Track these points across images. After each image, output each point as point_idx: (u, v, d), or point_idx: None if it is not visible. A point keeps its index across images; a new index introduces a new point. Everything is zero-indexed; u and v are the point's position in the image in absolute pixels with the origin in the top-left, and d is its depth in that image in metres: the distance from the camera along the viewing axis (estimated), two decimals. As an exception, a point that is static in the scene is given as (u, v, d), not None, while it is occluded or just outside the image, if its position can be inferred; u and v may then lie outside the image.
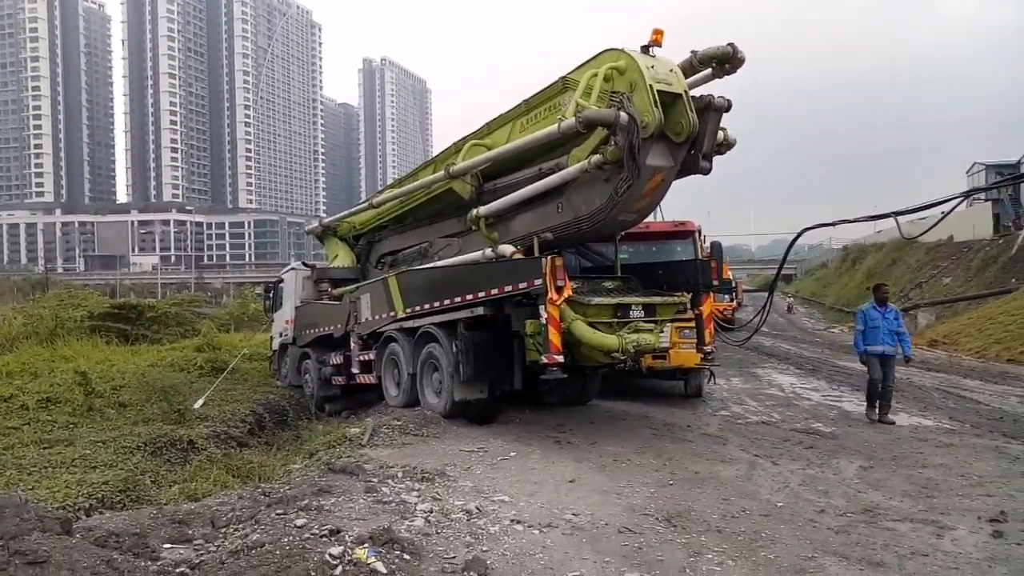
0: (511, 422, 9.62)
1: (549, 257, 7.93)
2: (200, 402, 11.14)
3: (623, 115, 7.41)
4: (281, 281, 16.26)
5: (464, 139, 10.67)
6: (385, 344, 11.42)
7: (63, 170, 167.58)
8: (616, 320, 8.46)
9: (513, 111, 9.83)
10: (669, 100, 7.71)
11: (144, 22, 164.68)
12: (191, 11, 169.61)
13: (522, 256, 9.07)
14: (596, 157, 7.98)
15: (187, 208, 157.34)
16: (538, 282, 7.97)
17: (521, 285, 8.26)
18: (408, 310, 10.63)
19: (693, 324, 10.70)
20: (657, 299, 8.85)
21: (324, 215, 16.03)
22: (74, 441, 8.45)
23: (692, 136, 7.81)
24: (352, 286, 13.21)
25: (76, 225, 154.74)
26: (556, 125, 8.00)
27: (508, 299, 8.93)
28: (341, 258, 15.21)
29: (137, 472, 7.20)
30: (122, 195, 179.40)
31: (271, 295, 16.94)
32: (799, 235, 11.55)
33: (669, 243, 12.43)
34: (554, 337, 7.94)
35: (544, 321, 7.96)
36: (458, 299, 9.42)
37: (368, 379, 12.12)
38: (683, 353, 10.87)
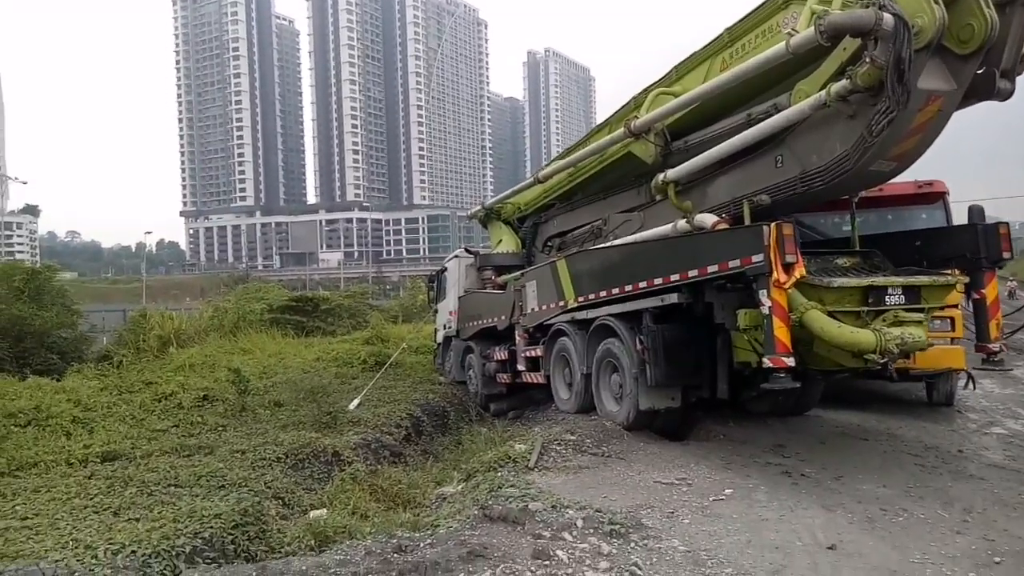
0: (713, 439, 7.63)
1: (774, 224, 5.84)
2: (355, 403, 10.13)
3: (887, 16, 5.18)
4: (444, 270, 15.17)
5: (646, 89, 8.73)
6: (554, 338, 9.78)
7: (262, 175, 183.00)
8: (867, 308, 6.19)
9: (710, 46, 7.78)
10: (952, -8, 5.37)
11: (327, 33, 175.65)
12: (368, 19, 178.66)
13: (729, 226, 7.03)
14: (840, 84, 5.78)
15: (366, 206, 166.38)
16: (758, 258, 5.91)
17: (732, 263, 6.22)
18: (580, 298, 8.90)
19: (947, 312, 8.15)
20: (924, 279, 6.44)
21: (488, 196, 14.64)
22: (215, 449, 7.57)
23: (986, 44, 5.40)
24: (517, 273, 11.70)
25: (272, 226, 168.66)
26: (784, 43, 5.89)
27: (710, 283, 6.94)
28: (505, 243, 13.80)
29: (267, 495, 6.05)
30: (311, 196, 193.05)
31: (434, 285, 15.96)
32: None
33: (910, 209, 9.73)
34: (781, 332, 5.85)
35: (767, 310, 5.90)
36: (643, 284, 7.54)
37: (535, 378, 10.56)
38: (939, 351, 8.23)
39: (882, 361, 5.84)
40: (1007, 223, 6.89)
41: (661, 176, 8.27)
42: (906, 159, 6.14)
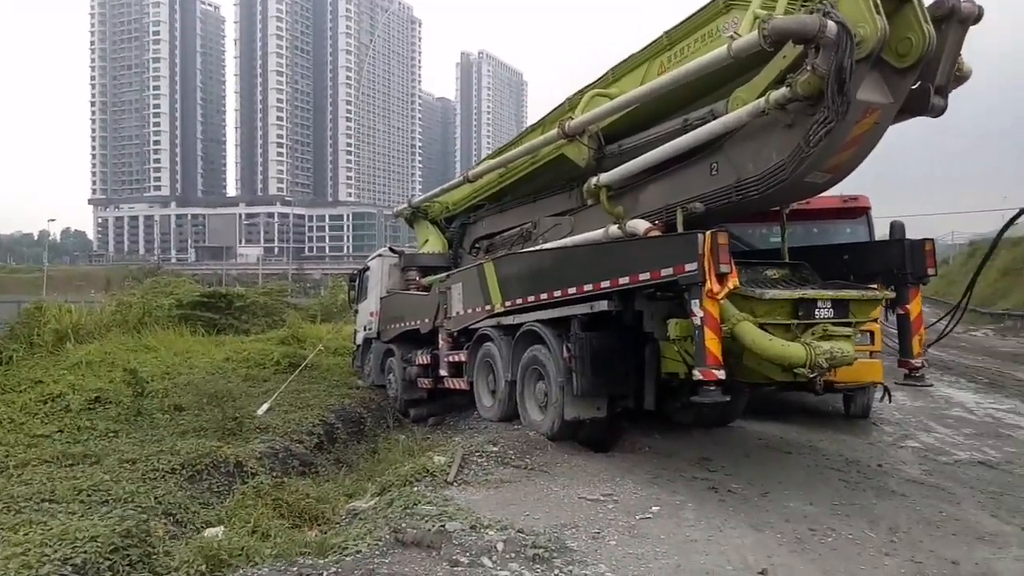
0: (639, 451, 7.43)
1: (709, 233, 5.66)
2: (264, 408, 9.49)
3: (831, 23, 5.06)
4: (367, 269, 14.61)
5: (582, 90, 8.51)
6: (479, 344, 9.43)
7: (178, 165, 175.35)
8: (797, 321, 6.09)
9: (648, 49, 7.60)
10: (892, 7, 5.32)
11: (255, 22, 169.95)
12: (299, 10, 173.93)
13: (661, 233, 6.84)
14: (780, 92, 5.66)
15: (289, 201, 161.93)
16: (691, 267, 5.72)
17: (664, 272, 6.02)
18: (508, 303, 8.59)
19: (867, 326, 8.22)
20: (853, 293, 6.39)
21: (416, 195, 14.18)
22: (103, 458, 6.85)
23: (923, 58, 5.37)
24: (442, 275, 11.30)
25: (189, 217, 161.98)
26: (725, 47, 5.72)
27: (640, 291, 6.74)
28: (432, 243, 13.37)
29: (156, 512, 5.45)
30: (232, 189, 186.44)
31: (356, 284, 15.35)
32: (1015, 218, 8.56)
33: (835, 223, 9.84)
34: (712, 344, 5.68)
35: (698, 321, 5.71)
36: (572, 290, 7.29)
37: (458, 384, 10.19)
38: (860, 365, 8.29)
39: (811, 375, 5.74)
40: (932, 240, 6.94)
41: (594, 180, 8.05)
42: (841, 171, 6.07)
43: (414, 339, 11.73)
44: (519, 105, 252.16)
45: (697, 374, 5.73)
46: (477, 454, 6.72)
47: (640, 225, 7.08)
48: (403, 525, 4.38)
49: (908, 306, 6.84)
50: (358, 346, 14.97)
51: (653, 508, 5.25)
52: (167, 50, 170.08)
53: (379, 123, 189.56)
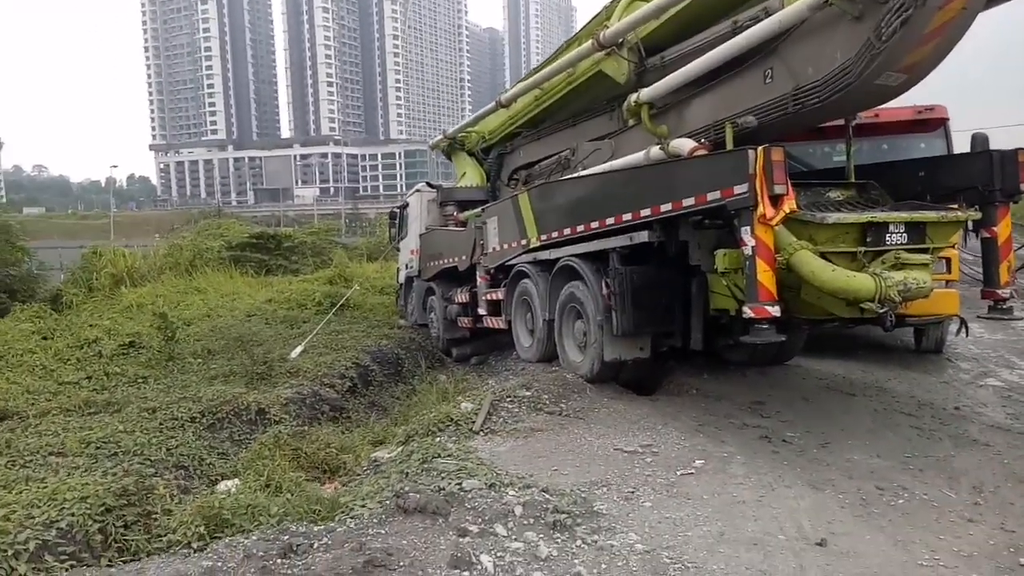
0: (685, 394, 6.85)
1: (761, 148, 4.90)
2: (298, 350, 9.23)
3: None
4: (406, 206, 14.12)
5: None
6: (516, 281, 8.89)
7: (233, 108, 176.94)
8: (865, 249, 5.32)
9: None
10: None
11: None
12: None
13: (708, 152, 6.07)
14: (847, -22, 4.77)
15: (341, 141, 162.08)
16: (741, 189, 4.99)
17: (711, 196, 5.30)
18: (544, 237, 7.98)
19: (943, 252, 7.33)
20: (931, 215, 5.56)
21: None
22: (124, 407, 6.66)
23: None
24: (478, 209, 10.72)
25: (246, 160, 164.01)
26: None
27: (685, 219, 6.04)
28: (469, 176, 12.76)
29: (166, 465, 5.18)
30: (285, 130, 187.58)
31: (396, 221, 14.92)
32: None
33: (906, 138, 8.80)
34: (765, 276, 4.99)
35: (749, 251, 5.02)
36: (610, 220, 6.62)
37: (496, 323, 9.71)
38: (935, 296, 7.42)
39: (881, 310, 5.01)
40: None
41: (634, 96, 7.27)
42: (918, 71, 5.15)
43: (454, 277, 11.29)
44: (568, 32, 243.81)
45: (748, 311, 5.07)
46: (509, 399, 6.25)
47: (684, 144, 6.32)
48: (406, 489, 3.93)
49: (995, 228, 5.93)
50: (401, 285, 14.64)
51: (696, 462, 4.70)
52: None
53: (427, 57, 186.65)
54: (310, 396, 7.54)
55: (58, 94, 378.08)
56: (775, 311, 5.00)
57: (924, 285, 5.19)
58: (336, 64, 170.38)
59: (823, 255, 5.21)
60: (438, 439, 5.30)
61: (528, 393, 6.40)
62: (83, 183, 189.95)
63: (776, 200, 4.91)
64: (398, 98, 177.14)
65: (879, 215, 5.38)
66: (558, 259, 7.73)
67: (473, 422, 5.61)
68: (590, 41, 7.54)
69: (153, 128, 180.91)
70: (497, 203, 9.94)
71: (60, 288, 20.11)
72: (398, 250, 14.95)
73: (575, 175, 8.24)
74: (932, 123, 8.62)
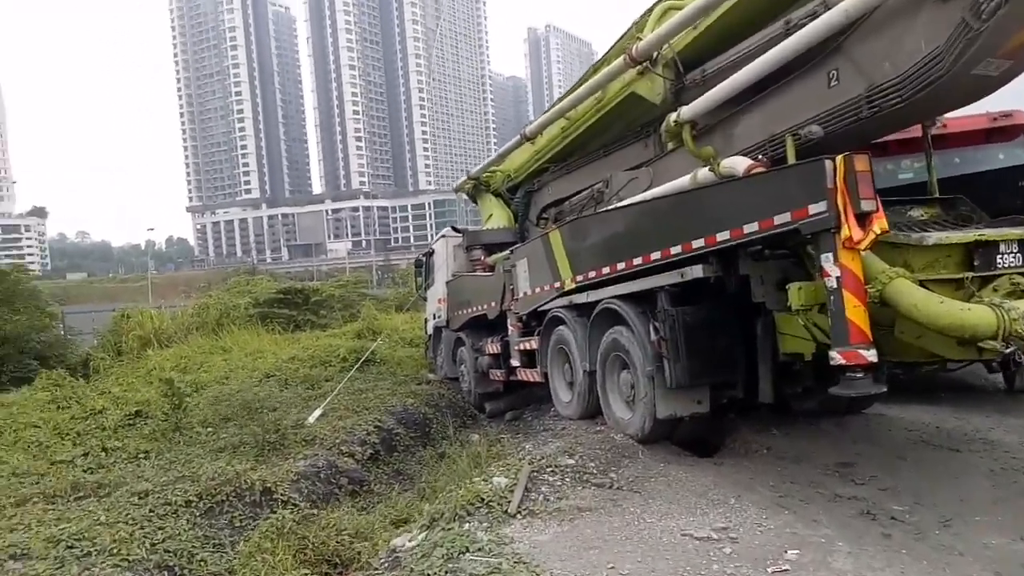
0: (754, 455, 5.88)
1: (842, 157, 4.04)
2: (316, 414, 8.43)
3: None
4: (432, 252, 13.43)
5: (650, 8, 6.90)
6: (551, 328, 8.04)
7: (266, 167, 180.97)
8: (972, 275, 4.38)
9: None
10: None
11: (324, 18, 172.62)
12: (365, 1, 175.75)
13: (765, 169, 5.22)
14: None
15: (371, 194, 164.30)
16: (818, 208, 4.12)
17: (779, 218, 4.42)
18: (579, 277, 7.13)
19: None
20: (1053, 231, 4.60)
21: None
22: (115, 489, 5.88)
23: None
24: (507, 252, 9.93)
25: (279, 217, 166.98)
26: None
27: (744, 249, 5.16)
28: (496, 217, 12.05)
29: (147, 567, 4.36)
30: (316, 186, 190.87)
31: (423, 269, 14.23)
32: None
33: (981, 149, 7.82)
34: (856, 313, 4.07)
35: (834, 283, 4.11)
36: (656, 255, 5.75)
37: (531, 375, 8.83)
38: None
39: (1007, 350, 4.03)
40: None
41: (673, 116, 6.48)
42: (1024, 56, 4.29)
43: (484, 326, 10.47)
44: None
45: (836, 357, 4.14)
46: (549, 469, 5.34)
47: (739, 163, 5.47)
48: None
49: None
50: (429, 336, 13.86)
51: (789, 553, 3.73)
52: (244, 54, 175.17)
53: (452, 108, 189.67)
54: (325, 468, 6.70)
55: (99, 161, 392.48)
56: (871, 355, 4.06)
57: (1058, 317, 4.21)
58: (364, 119, 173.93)
59: (921, 283, 4.28)
60: (467, 526, 4.40)
61: (571, 461, 5.48)
62: (124, 247, 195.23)
63: (863, 219, 4.03)
64: (425, 149, 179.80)
65: (989, 233, 4.44)
66: (597, 302, 6.87)
67: (508, 502, 4.71)
68: (621, 58, 6.80)
69: (190, 191, 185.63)
70: (526, 244, 9.15)
71: (89, 353, 19.81)
72: (425, 299, 14.24)
73: (611, 208, 7.41)
74: (1011, 130, 7.66)
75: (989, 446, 5.74)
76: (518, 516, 4.56)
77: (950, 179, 6.33)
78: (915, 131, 6.31)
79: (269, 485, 5.88)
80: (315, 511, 5.65)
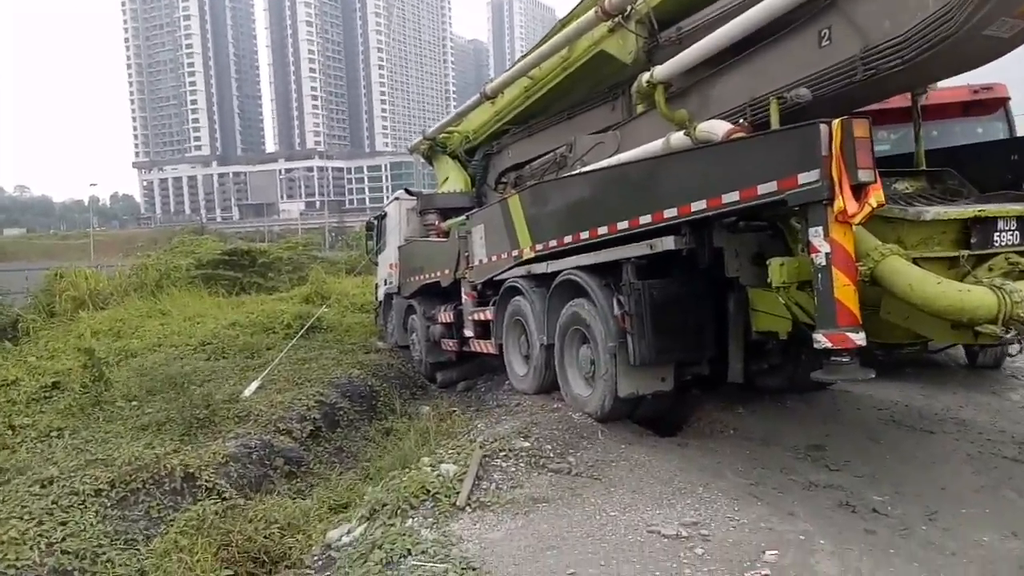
0: (719, 435, 5.56)
1: (838, 121, 3.62)
2: (252, 387, 7.86)
3: None
4: (384, 215, 12.80)
5: (625, -44, 6.37)
6: (507, 298, 7.58)
7: (217, 124, 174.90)
8: (968, 253, 4.05)
9: None
10: None
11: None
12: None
13: (746, 134, 4.80)
14: None
15: (326, 154, 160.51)
16: (809, 177, 3.70)
17: (763, 188, 4.00)
18: (539, 246, 6.67)
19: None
20: (1051, 207, 4.29)
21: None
22: (17, 475, 5.25)
23: None
24: (462, 217, 9.41)
25: (230, 176, 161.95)
26: None
27: (718, 220, 4.75)
28: (452, 181, 11.51)
29: (41, 571, 3.80)
30: (270, 145, 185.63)
31: (374, 233, 13.59)
32: None
33: (960, 121, 7.58)
34: (845, 293, 3.69)
35: (823, 259, 3.72)
36: (624, 224, 5.31)
37: (486, 347, 8.39)
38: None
39: (1007, 335, 3.70)
40: None
41: (646, 76, 6.03)
42: (1043, 16, 3.91)
43: (437, 293, 9.98)
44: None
45: (821, 339, 3.76)
46: (502, 453, 4.92)
47: (718, 127, 5.04)
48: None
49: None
50: (379, 302, 13.30)
51: (768, 554, 3.38)
52: (196, 6, 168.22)
53: (412, 69, 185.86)
54: (259, 449, 6.15)
55: (40, 113, 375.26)
56: (859, 339, 3.70)
57: (1057, 299, 3.90)
58: (321, 78, 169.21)
59: (915, 262, 3.93)
60: (410, 522, 3.95)
61: (527, 444, 5.07)
62: (66, 202, 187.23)
63: (859, 190, 3.63)
64: (383, 110, 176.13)
65: (989, 208, 4.10)
66: (558, 273, 6.43)
67: (456, 492, 4.27)
68: (592, 11, 6.27)
69: (136, 145, 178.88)
70: (483, 209, 8.65)
71: (19, 314, 18.67)
72: (376, 264, 13.64)
73: (576, 173, 6.94)
74: (990, 104, 7.43)
75: (962, 427, 5.52)
76: (467, 509, 4.13)
77: (931, 152, 6.01)
78: (892, 101, 6.00)
79: (192, 470, 5.31)
80: (244, 499, 5.13)
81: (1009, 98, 7.43)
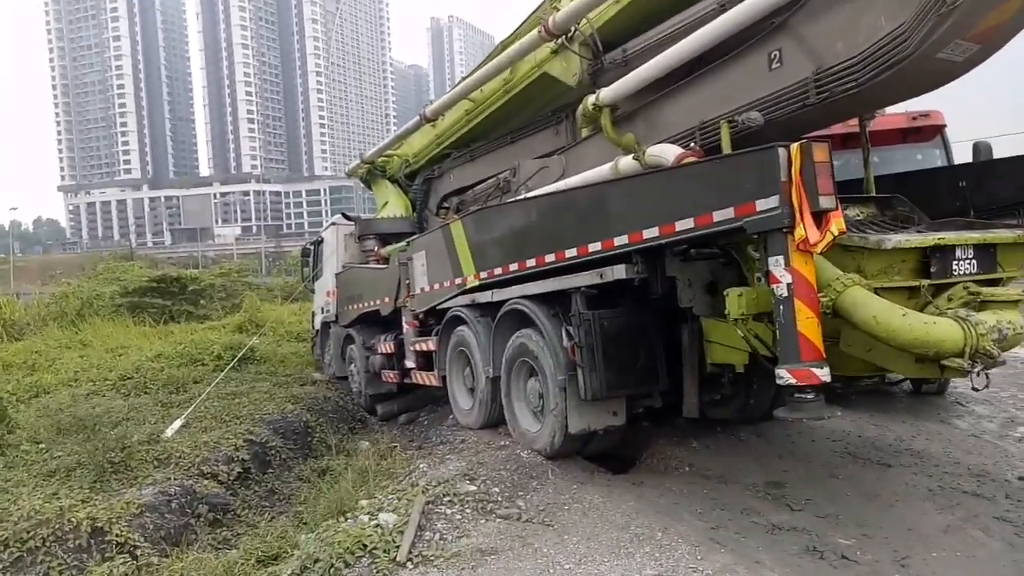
0: (673, 472, 5.33)
1: (798, 146, 3.45)
2: (175, 426, 7.27)
3: None
4: (321, 241, 12.34)
5: (568, -23, 6.21)
6: (450, 328, 7.25)
7: (148, 147, 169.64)
8: (928, 282, 3.93)
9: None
10: None
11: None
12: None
13: (698, 159, 4.62)
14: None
15: (263, 178, 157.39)
16: (768, 204, 3.52)
17: (719, 215, 3.80)
18: (483, 275, 6.37)
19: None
20: (1005, 235, 4.22)
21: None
22: None
23: None
24: (403, 243, 9.06)
25: (162, 199, 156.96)
26: None
27: (670, 248, 4.54)
28: (392, 206, 11.17)
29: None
30: (204, 168, 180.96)
31: (310, 259, 13.10)
32: None
33: (899, 148, 7.66)
34: (808, 326, 3.50)
35: (784, 290, 3.53)
36: (572, 252, 5.07)
37: (428, 379, 8.02)
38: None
39: (973, 369, 3.57)
40: None
41: (592, 98, 5.86)
42: (995, 38, 3.85)
43: (377, 322, 9.58)
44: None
45: (785, 376, 3.56)
46: (447, 499, 4.57)
47: (668, 151, 4.85)
48: None
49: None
50: (316, 331, 12.77)
51: (736, 609, 3.11)
52: (127, 27, 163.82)
53: (352, 93, 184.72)
54: (179, 496, 5.62)
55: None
56: (824, 375, 3.51)
57: (1021, 331, 3.81)
58: (257, 100, 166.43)
59: (876, 292, 3.79)
60: (344, 580, 3.56)
61: (472, 487, 4.73)
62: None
63: (820, 217, 3.46)
64: (322, 134, 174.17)
65: (948, 236, 4.00)
66: (504, 302, 6.14)
67: (396, 547, 3.89)
68: (535, 31, 6.08)
69: (62, 168, 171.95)
70: (425, 235, 8.32)
71: (-74, 345, 17.33)
72: (313, 291, 13.13)
73: (522, 198, 6.69)
74: (928, 131, 7.52)
75: (918, 459, 5.42)
76: (408, 565, 3.77)
77: (879, 178, 5.98)
78: (833, 127, 5.96)
79: (102, 524, 4.78)
80: (161, 555, 4.62)
81: (945, 125, 7.55)
